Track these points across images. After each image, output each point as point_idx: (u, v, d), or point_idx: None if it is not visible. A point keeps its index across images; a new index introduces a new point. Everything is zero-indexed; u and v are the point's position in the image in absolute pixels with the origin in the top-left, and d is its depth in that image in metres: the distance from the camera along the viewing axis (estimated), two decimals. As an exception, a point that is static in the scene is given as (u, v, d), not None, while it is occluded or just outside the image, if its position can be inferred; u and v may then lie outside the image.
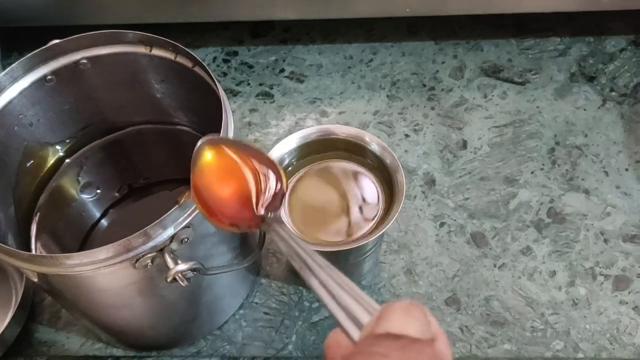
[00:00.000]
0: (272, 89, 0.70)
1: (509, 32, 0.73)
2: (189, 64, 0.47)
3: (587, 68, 0.70)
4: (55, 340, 0.55)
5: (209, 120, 0.45)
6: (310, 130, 0.51)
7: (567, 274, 0.56)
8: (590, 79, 0.69)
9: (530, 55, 0.71)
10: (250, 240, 0.52)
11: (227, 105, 0.44)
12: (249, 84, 0.70)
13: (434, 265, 0.57)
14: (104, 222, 0.58)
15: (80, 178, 0.55)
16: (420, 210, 0.61)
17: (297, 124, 0.67)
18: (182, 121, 0.54)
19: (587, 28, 0.73)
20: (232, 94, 0.70)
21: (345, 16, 0.69)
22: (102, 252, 0.37)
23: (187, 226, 0.40)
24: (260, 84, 0.70)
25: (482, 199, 0.61)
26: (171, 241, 0.39)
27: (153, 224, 0.38)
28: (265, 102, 0.69)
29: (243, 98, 0.69)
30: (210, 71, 0.45)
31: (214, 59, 0.73)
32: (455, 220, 0.60)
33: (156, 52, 0.48)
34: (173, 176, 0.59)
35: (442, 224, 0.60)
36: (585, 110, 0.67)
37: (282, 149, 0.50)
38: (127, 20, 0.68)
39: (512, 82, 0.69)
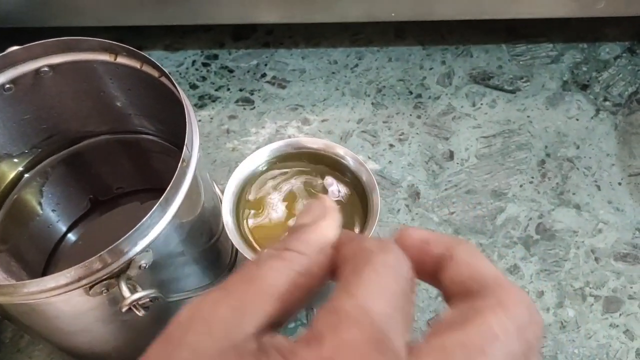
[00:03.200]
0: (252, 94, 0.67)
1: (499, 37, 0.71)
2: (155, 74, 0.44)
3: (580, 76, 0.67)
4: (17, 361, 0.52)
5: (177, 129, 0.42)
6: (279, 144, 0.48)
7: (556, 294, 0.54)
8: (584, 88, 0.67)
9: (521, 62, 0.69)
10: (222, 259, 0.49)
11: (192, 118, 0.41)
12: (228, 89, 0.68)
13: (416, 284, 0.55)
14: (71, 236, 0.55)
15: (43, 190, 0.52)
16: (404, 224, 0.58)
17: (278, 132, 0.64)
18: (149, 130, 0.52)
19: (581, 34, 0.71)
20: (211, 99, 0.67)
21: (330, 20, 0.66)
22: (51, 281, 0.35)
23: (145, 250, 0.37)
24: (241, 90, 0.68)
25: (468, 214, 0.58)
26: (128, 267, 0.37)
27: (107, 249, 0.35)
28: (245, 109, 0.66)
29: (222, 104, 0.66)
30: (175, 82, 0.42)
31: (193, 62, 0.70)
32: (439, 236, 0.57)
33: (121, 60, 0.45)
34: (141, 186, 0.57)
35: (426, 240, 0.57)
36: (577, 120, 0.64)
37: (249, 166, 0.47)
38: (101, 22, 0.65)
39: (502, 89, 0.67)
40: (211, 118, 0.65)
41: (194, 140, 0.40)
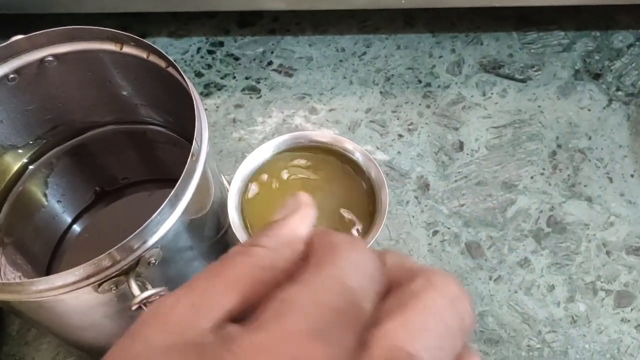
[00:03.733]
0: (259, 83, 0.66)
1: (510, 24, 0.69)
2: (163, 64, 0.43)
3: (592, 65, 0.66)
4: (24, 354, 0.52)
5: (184, 120, 0.42)
6: (285, 137, 0.47)
7: (567, 288, 0.53)
8: (596, 77, 0.65)
9: (532, 50, 0.67)
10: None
11: (201, 110, 0.40)
12: (234, 77, 0.66)
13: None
14: (76, 227, 0.54)
15: (48, 182, 0.51)
16: (413, 217, 0.57)
17: (285, 121, 0.63)
18: (156, 121, 0.51)
19: (593, 21, 0.69)
20: (217, 87, 0.66)
21: (338, 7, 0.65)
22: (59, 279, 0.34)
23: (154, 247, 0.37)
24: (247, 78, 0.66)
25: (478, 206, 0.58)
26: (137, 264, 0.36)
27: (116, 246, 0.35)
28: (251, 98, 0.65)
29: (228, 92, 0.65)
30: (184, 74, 0.41)
31: (198, 49, 0.69)
32: (449, 228, 0.57)
33: (127, 50, 0.44)
34: (147, 177, 0.56)
35: (435, 232, 0.56)
36: (589, 110, 0.63)
37: (254, 160, 0.46)
38: (104, 9, 0.64)
39: (513, 79, 0.65)
40: (217, 107, 0.64)
41: (203, 134, 0.39)
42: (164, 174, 0.57)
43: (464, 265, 0.55)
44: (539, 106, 0.64)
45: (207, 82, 0.66)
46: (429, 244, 0.56)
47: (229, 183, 0.49)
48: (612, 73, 0.66)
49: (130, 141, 0.53)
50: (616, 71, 0.66)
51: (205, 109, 0.63)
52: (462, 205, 0.58)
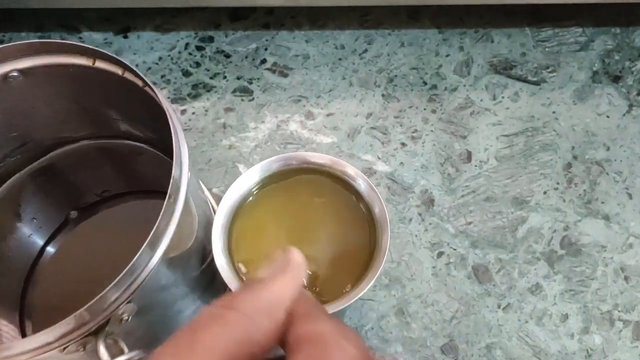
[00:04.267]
0: (251, 83, 0.61)
1: (523, 20, 0.64)
2: (139, 83, 0.38)
3: (611, 65, 0.61)
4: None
5: (162, 135, 0.37)
6: (275, 160, 0.42)
7: (581, 318, 0.49)
8: (615, 79, 0.60)
9: (547, 49, 0.62)
10: (218, 279, 0.45)
11: (182, 142, 0.36)
12: (225, 77, 0.61)
13: (429, 304, 0.50)
14: (50, 249, 0.50)
15: (19, 203, 0.47)
16: (416, 236, 0.53)
17: (279, 127, 0.58)
18: (132, 135, 0.46)
19: (613, 17, 0.64)
20: (206, 88, 0.61)
21: (339, 4, 0.59)
22: (19, 346, 0.30)
23: (128, 302, 0.33)
24: (238, 78, 0.61)
25: (486, 224, 0.53)
26: (107, 323, 0.32)
27: (84, 307, 0.30)
28: (243, 100, 0.60)
29: (218, 94, 0.60)
30: (162, 97, 0.36)
31: (186, 45, 0.63)
32: (455, 249, 0.52)
33: (100, 65, 0.39)
34: (126, 189, 0.52)
35: (440, 254, 0.52)
36: (608, 117, 0.58)
37: (239, 189, 0.41)
38: (82, 4, 0.58)
39: (526, 81, 0.61)
40: (206, 110, 0.59)
41: (182, 169, 0.35)
42: (146, 186, 0.53)
43: (471, 291, 0.51)
44: (554, 112, 0.59)
45: (196, 82, 0.61)
46: (433, 267, 0.52)
47: (217, 203, 0.45)
48: (633, 75, 0.61)
49: (106, 155, 0.48)
50: (638, 73, 0.61)
51: (194, 113, 0.59)
52: (470, 223, 0.53)
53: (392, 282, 0.51)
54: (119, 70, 0.39)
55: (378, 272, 0.37)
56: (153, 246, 0.34)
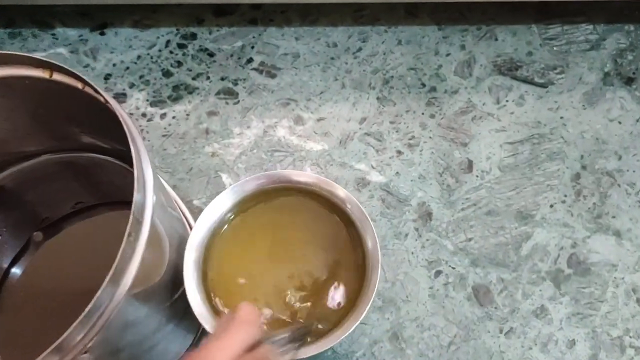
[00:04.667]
0: (236, 84, 0.57)
1: (529, 16, 0.60)
2: (100, 99, 0.34)
3: (624, 66, 0.57)
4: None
5: (123, 145, 0.33)
6: (251, 179, 0.38)
7: (589, 344, 0.46)
8: (628, 82, 0.56)
9: (555, 48, 0.58)
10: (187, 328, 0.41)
11: (147, 170, 0.32)
12: (208, 77, 0.57)
13: (425, 329, 0.47)
14: (16, 271, 0.46)
15: (-21, 223, 0.43)
16: (412, 253, 0.49)
17: (266, 132, 0.54)
18: (96, 148, 0.42)
19: (627, 13, 0.60)
20: (188, 90, 0.56)
21: (333, 0, 0.55)
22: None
23: (84, 352, 0.29)
24: (223, 78, 0.57)
25: (488, 241, 0.50)
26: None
27: (42, 356, 0.27)
28: (227, 103, 0.56)
29: (200, 96, 0.56)
30: (124, 114, 0.32)
31: (167, 43, 0.59)
32: (454, 268, 0.49)
33: (58, 77, 0.35)
34: (94, 202, 0.48)
35: (438, 273, 0.49)
36: (619, 123, 0.54)
37: (211, 216, 0.37)
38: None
39: (532, 82, 0.56)
40: (187, 114, 0.55)
41: (146, 202, 0.31)
42: (117, 197, 0.49)
43: (471, 315, 0.47)
44: (562, 117, 0.55)
45: (177, 83, 0.57)
46: (430, 288, 0.48)
47: (196, 216, 0.41)
48: (647, 77, 0.56)
49: (71, 169, 0.45)
50: (652, 74, 0.57)
51: (174, 117, 0.55)
52: (470, 239, 0.50)
53: (386, 304, 0.47)
54: (78, 84, 0.35)
55: (367, 309, 0.33)
56: (115, 283, 0.30)
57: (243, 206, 0.38)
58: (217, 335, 0.26)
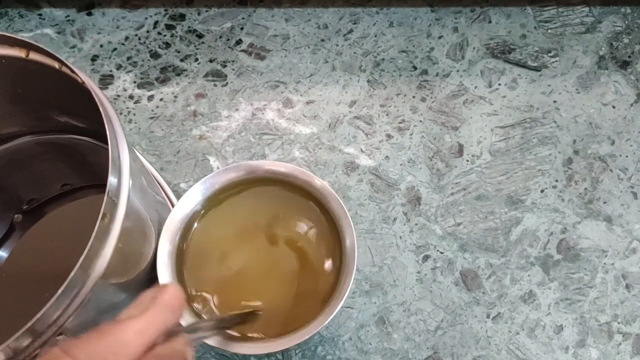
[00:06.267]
0: (225, 67, 0.56)
1: (524, -2, 0.59)
2: (78, 79, 0.34)
3: (620, 50, 0.56)
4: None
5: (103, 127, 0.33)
6: (227, 170, 0.37)
7: (577, 330, 0.46)
8: (623, 65, 0.55)
9: (549, 30, 0.57)
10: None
11: (120, 136, 0.31)
12: (196, 59, 0.56)
13: (412, 313, 0.46)
14: (2, 254, 0.46)
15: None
16: (400, 238, 0.49)
17: (255, 115, 0.54)
18: (79, 129, 0.42)
19: (624, -5, 0.59)
20: (176, 72, 0.56)
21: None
22: None
23: (58, 334, 0.28)
24: (211, 60, 0.56)
25: (477, 225, 0.49)
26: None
27: (12, 338, 0.26)
28: (215, 85, 0.55)
29: (189, 78, 0.56)
30: (100, 94, 0.32)
31: (155, 24, 0.58)
32: (442, 252, 0.48)
33: (35, 57, 0.35)
34: (74, 185, 0.48)
35: (425, 258, 0.48)
36: (614, 107, 0.54)
37: (186, 207, 0.37)
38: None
39: (525, 66, 0.55)
40: (175, 96, 0.55)
41: (121, 183, 0.30)
42: (106, 180, 0.49)
43: (458, 299, 0.47)
44: (555, 101, 0.54)
45: (165, 65, 0.56)
46: (418, 272, 0.48)
47: (181, 189, 0.40)
48: (642, 60, 0.55)
49: (56, 150, 0.44)
50: (647, 58, 0.56)
51: (162, 99, 0.54)
52: (459, 224, 0.49)
53: (373, 288, 0.47)
54: (55, 64, 0.34)
55: (345, 297, 0.32)
56: (89, 265, 0.29)
57: (218, 197, 0.37)
58: (136, 315, 0.24)
